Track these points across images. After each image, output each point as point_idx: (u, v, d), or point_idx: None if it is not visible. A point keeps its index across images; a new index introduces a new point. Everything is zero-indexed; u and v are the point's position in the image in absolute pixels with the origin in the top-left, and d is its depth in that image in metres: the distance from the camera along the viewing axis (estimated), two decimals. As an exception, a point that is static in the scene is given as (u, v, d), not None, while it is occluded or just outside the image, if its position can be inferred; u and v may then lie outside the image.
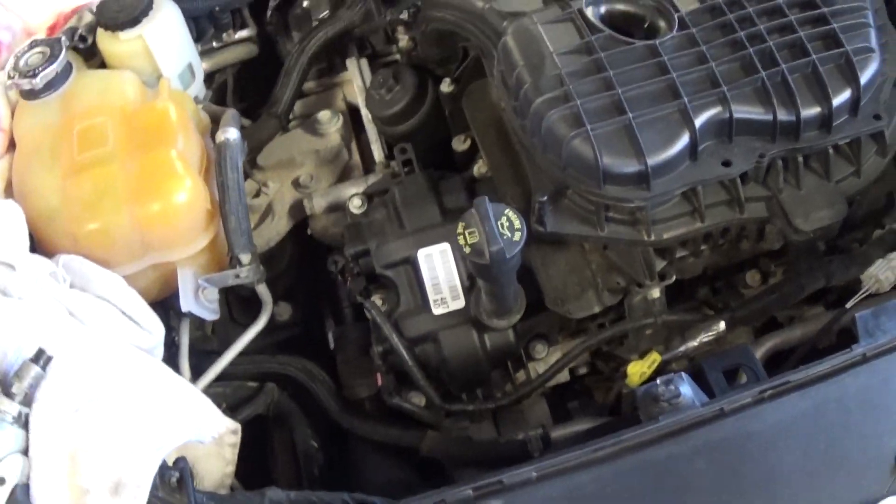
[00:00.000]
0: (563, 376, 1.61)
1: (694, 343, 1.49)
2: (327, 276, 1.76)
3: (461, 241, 1.29)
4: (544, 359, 1.59)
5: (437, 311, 1.50)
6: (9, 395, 1.11)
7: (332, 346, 1.74)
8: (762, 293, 1.53)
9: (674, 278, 1.49)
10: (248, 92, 1.95)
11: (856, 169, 1.42)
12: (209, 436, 1.34)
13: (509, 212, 1.30)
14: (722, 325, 1.49)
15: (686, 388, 1.17)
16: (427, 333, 1.51)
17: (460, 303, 1.50)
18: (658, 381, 1.17)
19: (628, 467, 1.11)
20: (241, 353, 1.57)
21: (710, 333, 1.49)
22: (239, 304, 1.72)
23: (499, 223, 1.28)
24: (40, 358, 1.15)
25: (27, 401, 1.12)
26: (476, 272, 1.36)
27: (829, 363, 1.15)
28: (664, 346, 1.53)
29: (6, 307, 1.24)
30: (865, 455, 1.10)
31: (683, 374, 1.20)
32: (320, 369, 1.63)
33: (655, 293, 1.48)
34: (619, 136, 1.34)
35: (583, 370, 1.65)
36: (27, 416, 1.13)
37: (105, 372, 1.25)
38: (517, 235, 1.28)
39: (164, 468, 1.17)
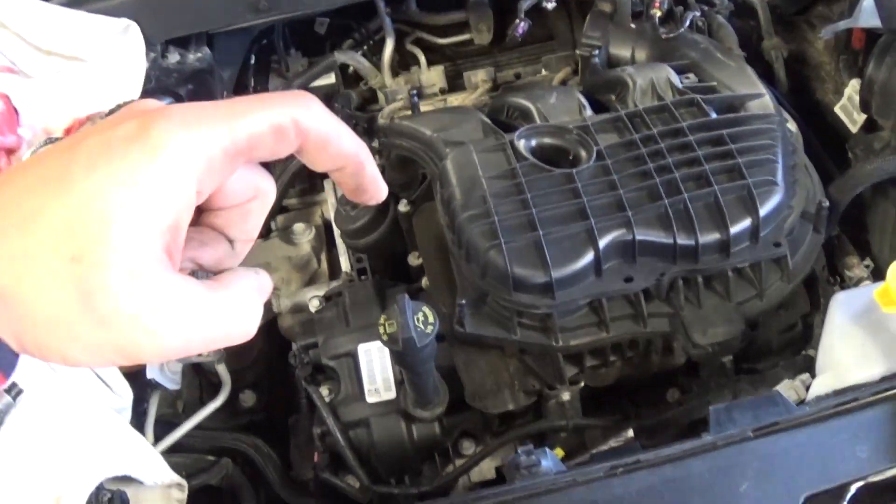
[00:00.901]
0: (490, 473, 1.78)
1: (604, 447, 1.66)
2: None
3: (381, 331, 1.49)
4: (471, 456, 1.76)
5: (371, 399, 1.69)
6: None
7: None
8: (670, 406, 1.69)
9: (582, 384, 1.67)
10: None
11: (758, 292, 1.59)
12: (152, 479, 1.53)
13: (426, 309, 1.49)
14: (630, 432, 1.65)
15: (547, 461, 1.34)
16: (360, 419, 1.69)
17: (391, 394, 1.69)
18: (520, 451, 1.34)
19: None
20: (203, 430, 1.78)
21: (620, 439, 1.66)
22: (210, 389, 1.94)
23: (415, 317, 1.48)
24: (12, 390, 1.34)
25: None
26: (394, 360, 1.56)
27: (679, 447, 1.30)
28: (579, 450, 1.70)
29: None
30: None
31: (548, 449, 1.37)
32: (269, 447, 1.83)
33: (566, 397, 1.65)
34: (529, 250, 1.54)
35: (509, 469, 1.81)
36: None
37: (71, 413, 1.47)
38: (429, 329, 1.47)
39: (100, 488, 1.35)
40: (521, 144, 1.69)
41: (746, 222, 1.56)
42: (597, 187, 1.60)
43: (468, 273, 1.62)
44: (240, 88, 2.26)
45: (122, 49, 1.99)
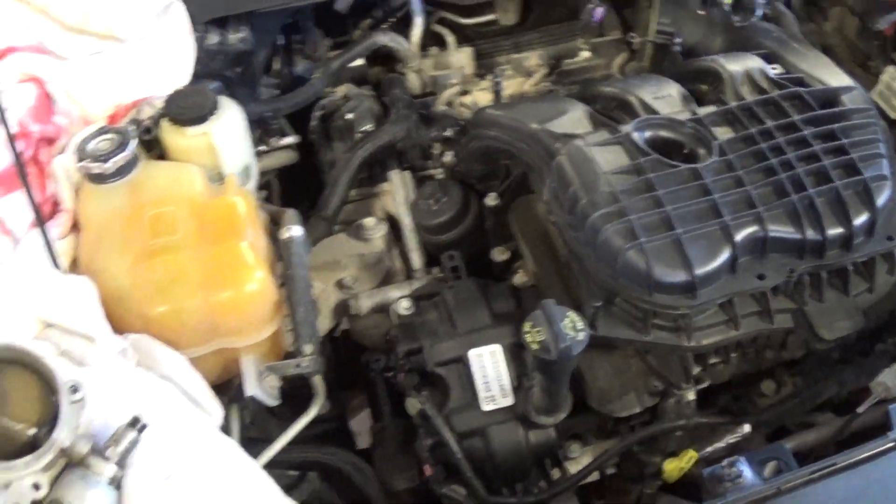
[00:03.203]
0: (593, 475, 1.83)
1: (721, 444, 1.74)
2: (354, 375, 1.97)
3: (528, 339, 1.51)
4: (577, 458, 1.81)
5: (487, 407, 1.71)
6: (104, 457, 1.28)
7: (359, 441, 1.93)
8: (783, 399, 1.79)
9: (707, 383, 1.75)
10: (285, 196, 2.19)
11: (869, 286, 1.70)
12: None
13: (572, 314, 1.53)
14: (747, 427, 1.74)
15: (747, 470, 1.42)
16: (476, 428, 1.71)
17: (509, 400, 1.71)
18: (723, 463, 1.41)
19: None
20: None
21: (737, 435, 1.74)
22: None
23: (562, 324, 1.52)
24: (136, 424, 1.32)
25: (121, 463, 1.30)
26: (540, 368, 1.59)
27: (867, 449, 1.40)
28: (689, 447, 1.78)
29: (99, 374, 1.44)
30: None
31: (742, 457, 1.44)
32: (364, 462, 1.82)
33: (690, 396, 1.73)
34: (668, 249, 1.60)
35: (610, 470, 1.88)
36: (121, 478, 1.31)
37: (191, 443, 1.44)
38: (581, 335, 1.51)
39: None
40: (636, 137, 1.73)
41: (865, 217, 1.67)
42: (723, 184, 1.67)
43: (596, 273, 1.66)
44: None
45: (165, 28, 1.91)
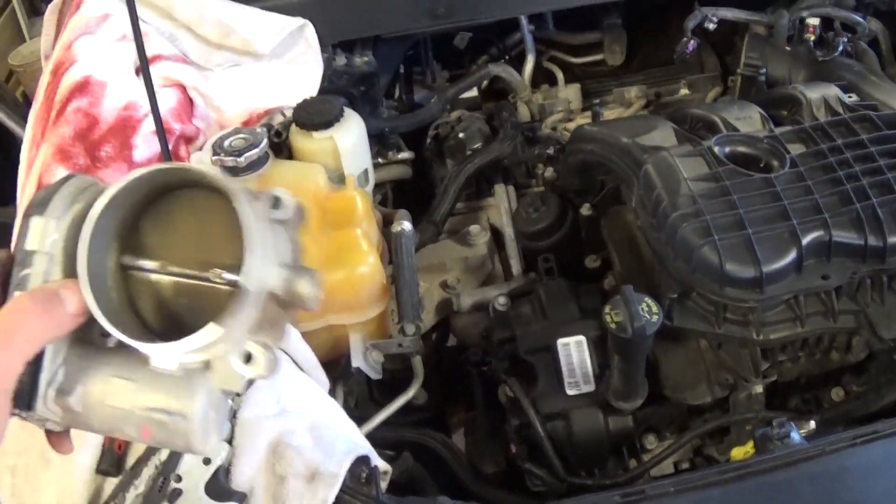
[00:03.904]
0: (668, 468, 2.00)
1: (790, 439, 1.90)
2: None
3: (607, 320, 1.71)
4: (654, 451, 1.98)
5: (571, 392, 1.91)
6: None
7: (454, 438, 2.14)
8: (846, 399, 1.95)
9: (775, 377, 1.91)
10: (397, 207, 2.44)
11: (924, 291, 1.86)
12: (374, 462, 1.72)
13: (648, 299, 1.73)
14: (812, 423, 1.89)
15: (794, 433, 1.59)
16: (560, 411, 1.91)
17: (591, 387, 1.91)
18: (774, 423, 1.59)
19: (749, 488, 1.51)
20: (384, 424, 1.98)
21: (802, 432, 1.90)
22: (379, 386, 2.14)
23: (640, 307, 1.72)
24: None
25: (237, 400, 1.50)
26: (616, 348, 1.78)
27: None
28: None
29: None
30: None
31: (791, 422, 1.61)
32: (455, 444, 2.03)
33: (759, 389, 1.90)
34: (740, 247, 1.78)
35: (685, 465, 2.04)
36: (235, 411, 1.51)
37: (302, 386, 1.66)
38: (655, 318, 1.70)
39: (355, 464, 1.56)
40: (717, 150, 1.93)
41: (923, 227, 1.83)
42: (793, 192, 1.86)
43: (674, 269, 1.85)
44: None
45: (299, 47, 2.19)
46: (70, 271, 0.99)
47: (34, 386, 0.99)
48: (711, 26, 2.35)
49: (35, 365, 0.98)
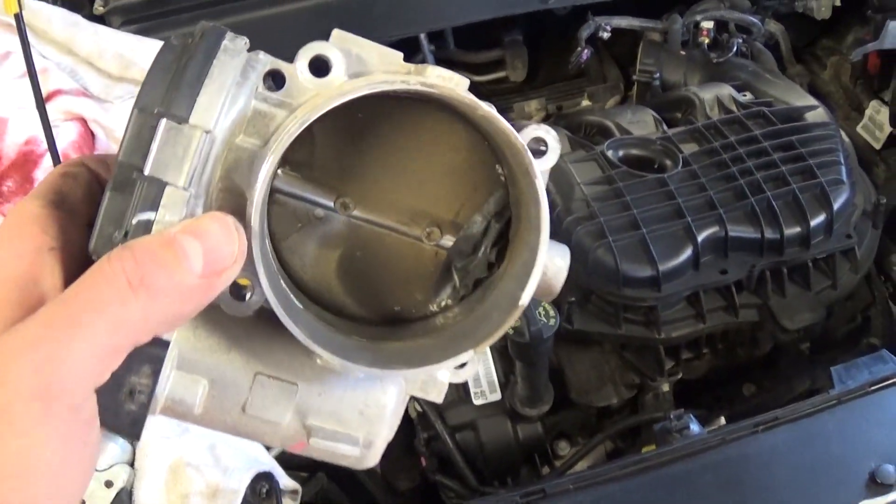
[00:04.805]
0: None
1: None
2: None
3: (506, 326, 1.74)
4: (566, 457, 2.00)
5: (478, 401, 1.93)
6: None
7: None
8: (757, 393, 1.98)
9: (680, 375, 1.94)
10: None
11: (832, 282, 1.90)
12: (282, 482, 1.73)
13: (545, 304, 1.75)
14: (723, 419, 1.92)
15: (694, 424, 1.61)
16: (467, 422, 1.92)
17: (497, 396, 1.92)
18: (671, 416, 1.61)
19: (649, 481, 1.53)
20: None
21: (713, 428, 1.93)
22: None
23: (537, 311, 1.74)
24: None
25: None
26: (517, 354, 1.80)
27: (810, 404, 1.58)
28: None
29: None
30: (842, 473, 1.52)
31: (691, 414, 1.64)
32: (368, 461, 2.03)
33: (665, 388, 1.92)
34: (635, 247, 1.82)
35: (602, 470, 2.06)
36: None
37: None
38: (552, 321, 1.73)
39: (255, 480, 1.57)
40: (610, 154, 1.97)
41: (822, 216, 1.87)
42: (687, 190, 1.90)
43: (572, 273, 1.87)
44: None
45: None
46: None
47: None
48: (606, 35, 2.39)
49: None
